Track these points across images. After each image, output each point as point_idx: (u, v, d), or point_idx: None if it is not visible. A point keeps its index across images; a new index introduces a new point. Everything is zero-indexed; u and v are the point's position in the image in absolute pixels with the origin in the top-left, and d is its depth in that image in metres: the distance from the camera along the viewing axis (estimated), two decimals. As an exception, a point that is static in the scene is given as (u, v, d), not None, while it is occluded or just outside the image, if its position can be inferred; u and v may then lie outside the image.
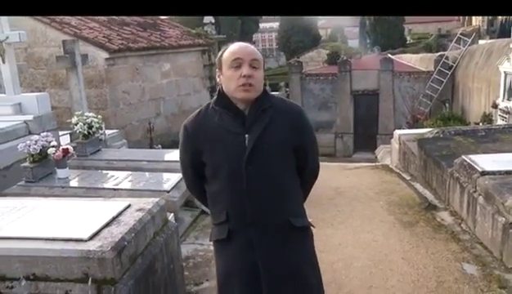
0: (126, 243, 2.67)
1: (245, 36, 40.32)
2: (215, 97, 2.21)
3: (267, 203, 2.11)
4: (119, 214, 2.97)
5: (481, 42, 20.25)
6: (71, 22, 10.77)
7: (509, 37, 17.99)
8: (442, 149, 6.76)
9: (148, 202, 3.21)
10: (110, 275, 2.53)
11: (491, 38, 22.07)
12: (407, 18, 41.85)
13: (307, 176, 2.35)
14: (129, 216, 2.96)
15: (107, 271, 2.52)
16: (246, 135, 2.09)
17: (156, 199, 3.30)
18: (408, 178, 7.69)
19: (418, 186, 7.00)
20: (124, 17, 13.20)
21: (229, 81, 2.13)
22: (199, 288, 3.62)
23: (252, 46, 2.19)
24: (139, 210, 3.07)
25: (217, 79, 2.23)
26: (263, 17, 46.92)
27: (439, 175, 6.30)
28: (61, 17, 10.76)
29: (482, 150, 6.34)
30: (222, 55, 2.18)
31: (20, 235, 2.71)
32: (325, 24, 51.98)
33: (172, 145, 10.47)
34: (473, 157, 5.55)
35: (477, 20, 31.41)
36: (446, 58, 16.69)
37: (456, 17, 38.73)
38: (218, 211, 2.18)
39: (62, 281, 2.56)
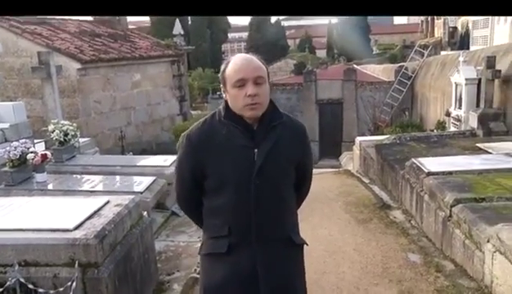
0: (107, 232, 3.06)
1: (214, 46, 40.74)
2: (222, 110, 2.15)
3: (272, 218, 2.11)
4: (100, 208, 3.36)
5: (443, 52, 21.23)
6: (42, 33, 11.02)
7: (469, 48, 18.98)
8: (397, 154, 7.30)
9: (125, 199, 3.61)
10: (94, 259, 2.91)
11: (452, 50, 23.06)
12: (373, 29, 43.13)
13: (302, 192, 2.41)
14: (108, 210, 3.35)
15: (91, 256, 2.91)
16: (255, 150, 2.07)
17: (132, 196, 3.69)
18: (367, 181, 8.22)
19: (375, 188, 7.51)
20: (95, 28, 13.49)
21: (235, 99, 2.08)
22: (171, 277, 4.01)
23: (255, 61, 2.12)
24: (117, 205, 3.46)
25: (223, 94, 2.19)
26: (232, 26, 47.41)
27: (393, 177, 6.84)
28: (33, 28, 11.01)
29: (432, 154, 6.89)
30: (224, 71, 2.13)
31: (11, 227, 3.07)
32: (293, 34, 52.90)
33: (142, 153, 10.80)
34: (422, 159, 6.11)
35: (439, 32, 32.67)
36: (406, 69, 17.49)
37: (420, 28, 40.07)
38: (219, 225, 2.13)
39: (51, 265, 2.93)
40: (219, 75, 2.19)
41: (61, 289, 2.81)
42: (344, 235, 5.12)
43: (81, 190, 5.15)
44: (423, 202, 5.37)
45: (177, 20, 15.39)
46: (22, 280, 2.81)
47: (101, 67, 11.23)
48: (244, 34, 49.34)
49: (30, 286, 2.82)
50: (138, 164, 6.37)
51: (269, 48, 41.24)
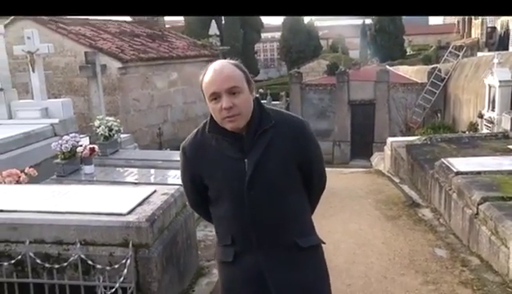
0: (156, 218, 3.39)
1: (247, 46, 41.08)
2: (208, 122, 2.08)
3: (271, 227, 2.05)
4: (148, 196, 3.68)
5: (479, 54, 20.91)
6: (86, 33, 11.57)
7: (508, 49, 18.68)
8: (427, 154, 7.46)
9: (170, 189, 3.93)
10: (145, 241, 3.24)
11: (489, 51, 22.65)
12: (407, 29, 42.69)
13: (314, 190, 2.28)
14: (157, 198, 3.68)
15: (143, 237, 3.24)
16: (246, 160, 2.01)
17: (177, 186, 4.01)
18: (397, 181, 8.39)
19: (405, 187, 7.69)
20: (134, 28, 14.00)
21: (213, 112, 2.01)
22: (210, 263, 4.32)
23: (227, 69, 2.00)
24: (164, 194, 3.79)
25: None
26: (265, 26, 47.68)
27: (423, 176, 7.01)
28: (77, 28, 11.57)
29: (462, 155, 7.02)
30: (202, 83, 2.04)
31: (72, 210, 3.43)
32: (326, 34, 52.78)
33: (178, 149, 11.18)
34: (451, 159, 6.26)
35: (476, 33, 32.12)
36: (439, 70, 17.48)
37: (455, 29, 39.43)
38: (224, 234, 2.15)
39: (107, 245, 3.26)
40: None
41: (116, 266, 3.14)
42: (374, 230, 5.35)
43: (126, 182, 5.52)
44: (451, 201, 5.53)
45: (213, 20, 15.79)
46: (83, 256, 3.16)
47: (140, 66, 11.71)
48: (277, 34, 49.49)
49: (90, 262, 3.16)
50: (178, 159, 6.73)
51: (302, 48, 41.40)
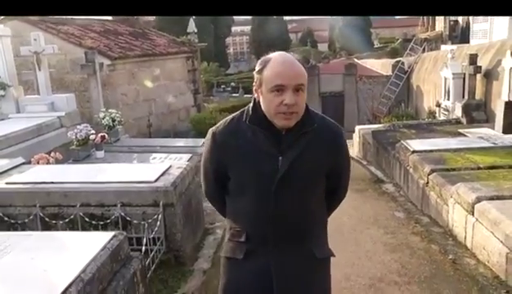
0: (177, 184, 4.34)
1: (218, 40, 41.79)
2: (250, 112, 2.01)
3: (291, 231, 1.99)
4: (167, 169, 4.63)
5: (443, 46, 22.03)
6: (75, 33, 12.27)
7: (469, 42, 19.90)
8: (390, 138, 8.58)
9: (183, 164, 4.89)
10: (171, 201, 4.19)
11: (453, 43, 23.68)
12: (374, 22, 44.06)
13: (335, 199, 2.26)
14: (174, 171, 4.63)
15: (169, 198, 4.18)
16: (280, 157, 1.93)
17: (187, 162, 4.97)
18: (365, 163, 9.51)
19: (371, 168, 8.81)
20: (117, 27, 14.74)
21: (269, 104, 1.91)
22: (214, 225, 5.31)
23: (297, 65, 1.91)
24: (178, 167, 4.74)
25: (255, 93, 2.00)
26: (235, 21, 48.44)
27: (386, 157, 8.12)
28: (66, 28, 12.25)
29: (419, 138, 8.17)
30: (262, 71, 1.93)
31: (110, 180, 4.36)
32: (295, 27, 53.93)
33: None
34: (409, 141, 7.40)
35: (440, 26, 33.33)
36: (402, 63, 18.76)
37: (420, 22, 40.67)
38: (238, 230, 2.06)
39: (140, 206, 4.19)
40: (254, 73, 1.99)
41: (149, 221, 4.09)
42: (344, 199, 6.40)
43: (134, 164, 6.42)
44: (408, 175, 6.65)
45: (191, 18, 16.64)
46: (123, 214, 4.09)
47: (126, 63, 12.47)
48: (247, 28, 50.37)
49: (128, 218, 4.10)
50: (174, 145, 7.66)
51: (271, 42, 42.20)
